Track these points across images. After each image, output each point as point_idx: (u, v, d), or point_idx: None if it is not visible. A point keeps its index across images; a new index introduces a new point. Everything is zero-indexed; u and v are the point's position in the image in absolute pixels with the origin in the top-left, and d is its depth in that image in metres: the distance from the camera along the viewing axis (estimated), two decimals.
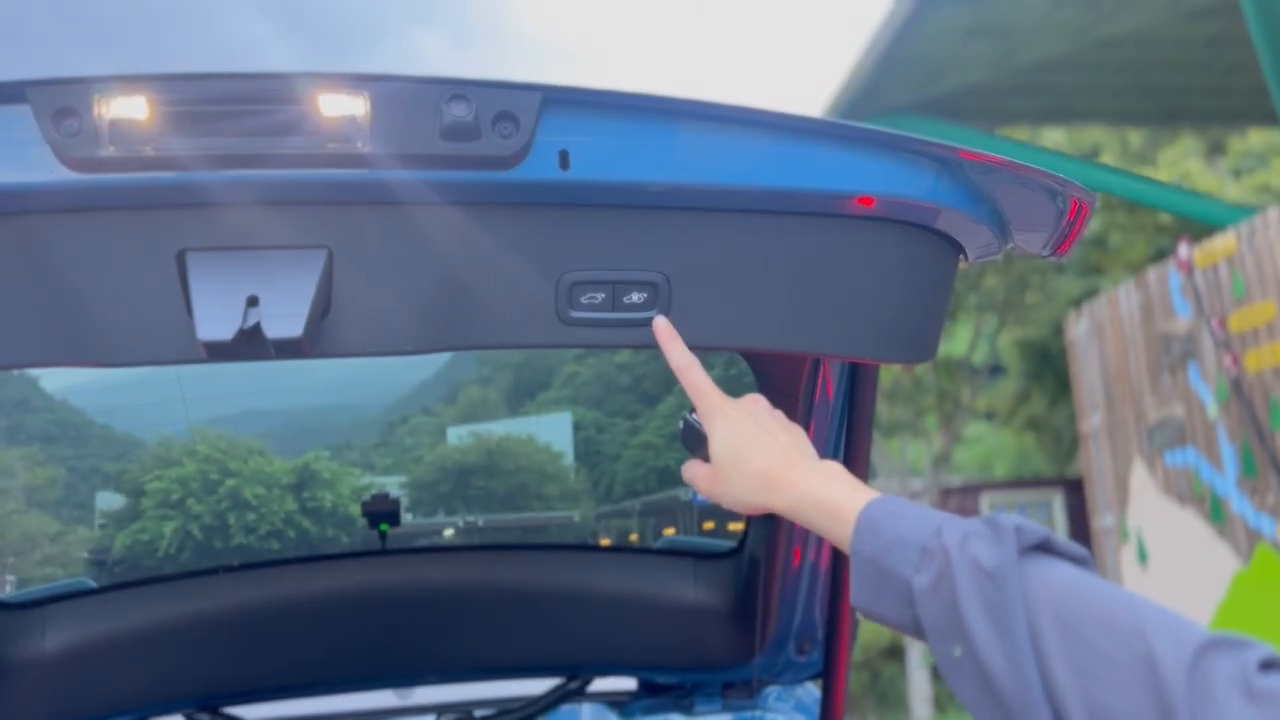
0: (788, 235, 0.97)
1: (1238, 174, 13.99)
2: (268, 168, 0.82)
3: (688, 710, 1.90)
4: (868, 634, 10.98)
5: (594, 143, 0.86)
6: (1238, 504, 5.76)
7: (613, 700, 1.94)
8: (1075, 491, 11.24)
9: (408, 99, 0.82)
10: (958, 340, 16.30)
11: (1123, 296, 6.93)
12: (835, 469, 0.96)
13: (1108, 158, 15.26)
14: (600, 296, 0.95)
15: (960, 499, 16.96)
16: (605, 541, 2.59)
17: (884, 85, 7.72)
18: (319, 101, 0.81)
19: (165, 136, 0.80)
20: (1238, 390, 5.68)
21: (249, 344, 0.84)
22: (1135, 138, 15.49)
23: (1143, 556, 6.74)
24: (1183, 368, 6.20)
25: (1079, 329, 7.56)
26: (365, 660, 1.84)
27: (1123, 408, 6.93)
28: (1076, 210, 1.04)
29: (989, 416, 18.77)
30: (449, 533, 2.52)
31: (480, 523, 2.25)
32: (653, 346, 0.98)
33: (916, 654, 10.72)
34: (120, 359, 0.90)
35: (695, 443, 1.03)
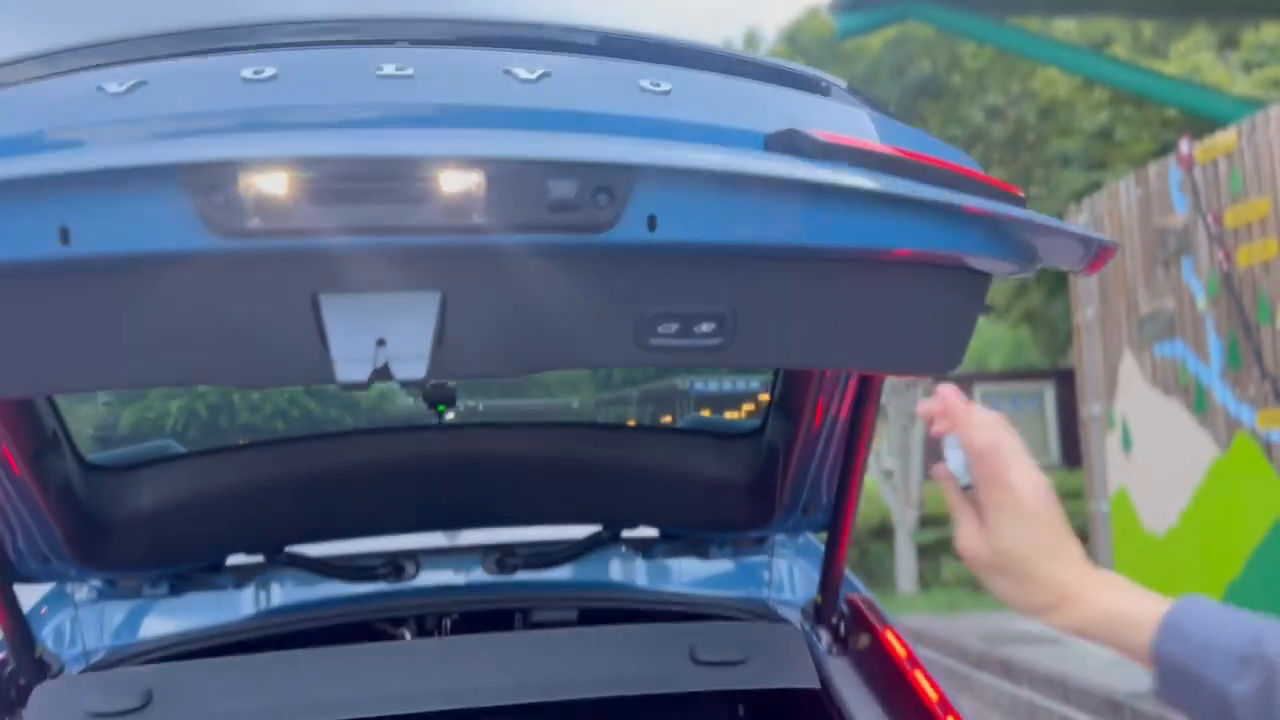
0: (837, 276, 1.13)
1: (1249, 68, 13.85)
2: (392, 235, 0.94)
3: (703, 554, 2.12)
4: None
5: (678, 209, 0.97)
6: (1220, 394, 5.97)
7: (636, 544, 2.15)
8: (1066, 383, 11.46)
9: (519, 177, 0.93)
10: None
11: (1122, 191, 7.03)
12: (1116, 579, 0.96)
13: (1119, 49, 15.08)
14: (674, 327, 1.10)
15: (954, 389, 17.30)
16: (631, 422, 2.82)
17: None
18: (440, 179, 0.91)
19: (302, 209, 0.91)
20: (1228, 284, 5.84)
21: (379, 380, 1.01)
22: (1148, 29, 15.28)
23: (1127, 444, 7.00)
24: (1176, 262, 6.35)
25: (1078, 222, 7.67)
26: (421, 514, 2.06)
27: (1116, 300, 7.10)
28: (1101, 251, 1.18)
29: (986, 309, 18.93)
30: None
31: (480, 407, 2.40)
32: (720, 365, 1.14)
33: (904, 534, 11.12)
34: (259, 383, 1.07)
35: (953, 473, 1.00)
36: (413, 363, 0.99)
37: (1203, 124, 7.62)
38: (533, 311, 1.07)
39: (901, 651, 1.68)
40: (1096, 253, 1.17)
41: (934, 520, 11.30)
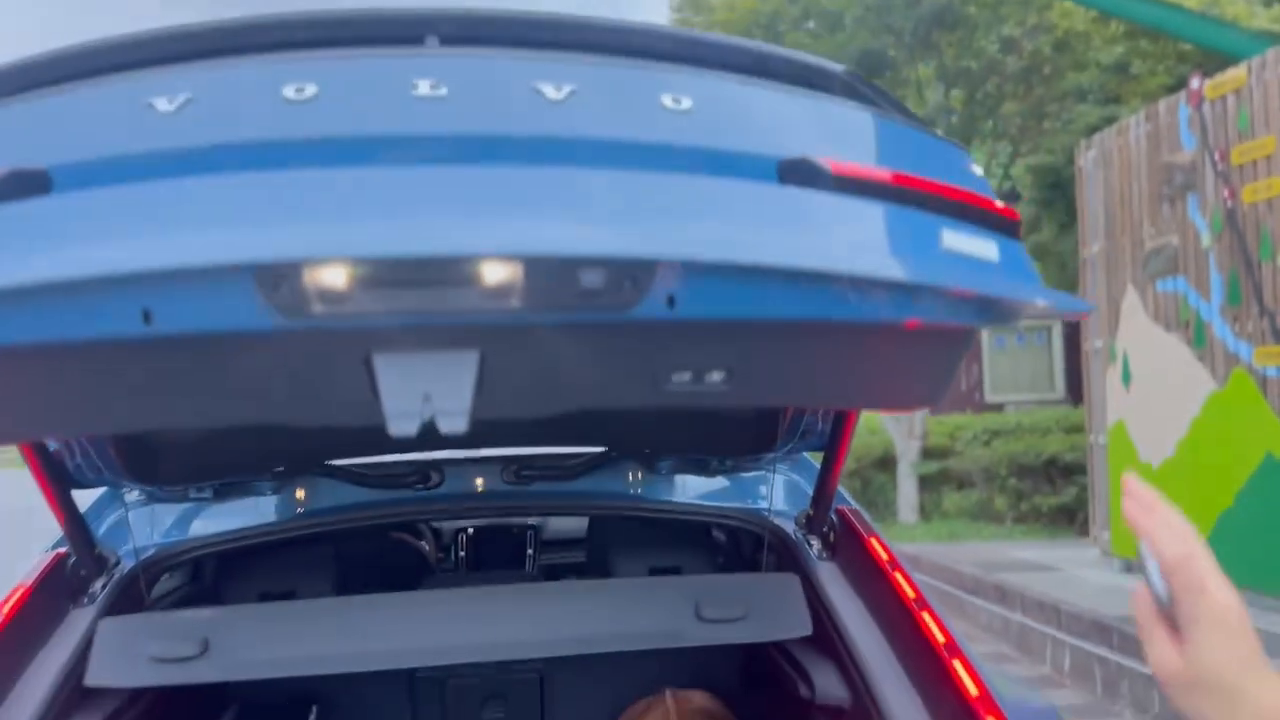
0: (835, 335, 1.25)
1: (1270, 1, 13.64)
2: (437, 315, 1.06)
3: (706, 471, 2.26)
4: (859, 446, 11.54)
5: (694, 290, 1.09)
6: (1219, 330, 6.07)
7: (643, 460, 2.29)
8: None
9: (554, 269, 1.04)
10: None
11: (1132, 126, 7.04)
12: None
13: None
14: (687, 376, 1.24)
15: None
16: None
17: None
18: (482, 272, 1.03)
19: (357, 295, 1.03)
20: (1231, 221, 5.90)
21: (426, 433, 1.15)
22: None
23: (1127, 378, 7.11)
24: (1182, 199, 6.39)
25: (1087, 158, 7.69)
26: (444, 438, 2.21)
27: (1122, 236, 7.15)
28: (1082, 314, 1.28)
29: None
30: None
31: None
32: (726, 404, 1.23)
33: (906, 465, 11.30)
34: (323, 424, 1.25)
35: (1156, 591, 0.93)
36: (455, 417, 1.13)
37: (1220, 60, 7.58)
38: (561, 369, 1.22)
39: (884, 555, 1.81)
40: (1081, 312, 1.30)
41: (936, 452, 11.48)
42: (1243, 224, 5.81)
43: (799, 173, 1.15)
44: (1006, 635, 6.68)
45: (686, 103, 1.17)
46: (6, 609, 1.68)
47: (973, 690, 1.51)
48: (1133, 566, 7.02)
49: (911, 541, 9.59)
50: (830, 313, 1.15)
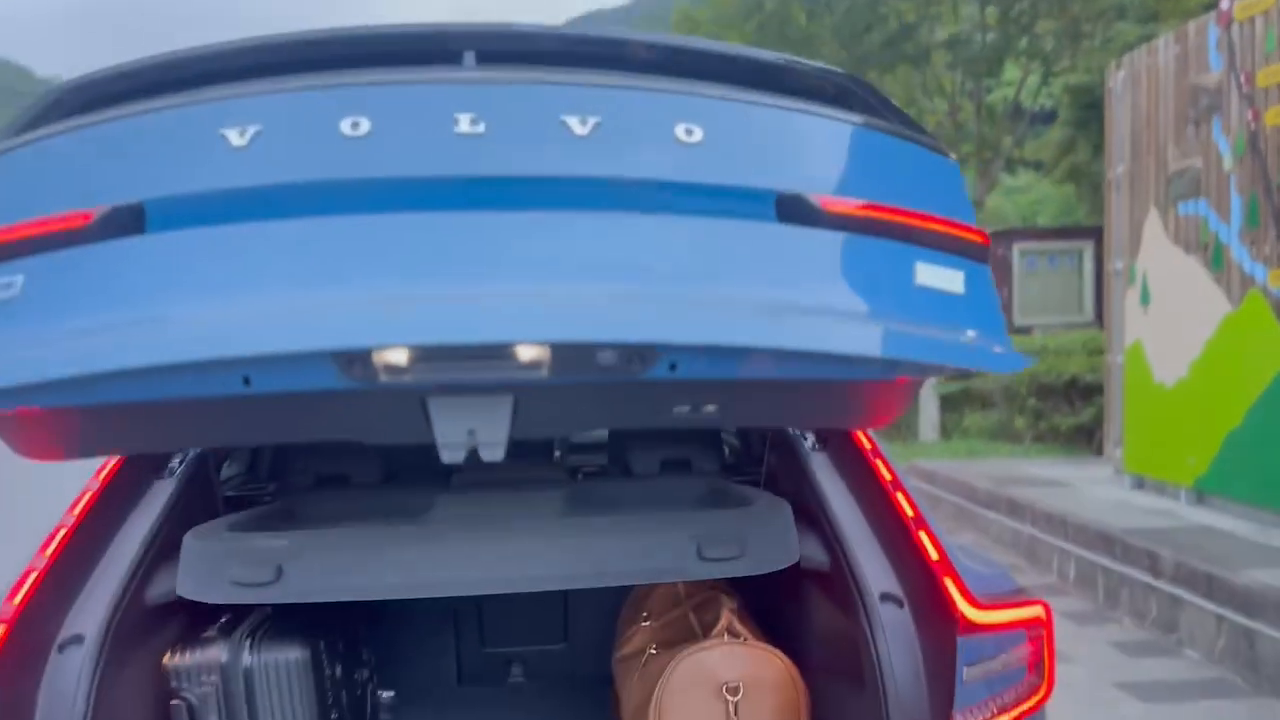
0: (816, 385, 1.53)
1: None
2: (482, 379, 1.35)
3: None
4: None
5: (694, 359, 1.35)
6: (1237, 252, 6.15)
7: None
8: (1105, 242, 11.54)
9: (578, 353, 1.31)
10: (1004, 85, 16.07)
11: (1161, 48, 7.02)
12: None
13: None
14: (686, 409, 1.52)
15: (993, 245, 17.26)
16: None
17: None
18: (518, 351, 1.31)
19: (415, 367, 1.30)
20: (1254, 144, 5.94)
21: (471, 461, 1.48)
22: None
23: (1145, 299, 7.21)
24: (1207, 121, 6.42)
25: (1117, 79, 7.68)
26: None
27: (1147, 158, 7.19)
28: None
29: (1038, 166, 18.71)
30: None
31: None
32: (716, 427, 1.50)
33: (927, 385, 11.47)
34: (381, 442, 1.70)
35: None
36: (495, 447, 1.46)
37: None
38: (581, 409, 1.55)
39: (867, 445, 2.02)
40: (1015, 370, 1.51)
41: (958, 373, 11.62)
42: (1265, 147, 5.85)
43: (795, 209, 1.36)
44: (1016, 546, 6.91)
45: (698, 134, 1.36)
46: (102, 477, 1.93)
47: (934, 555, 1.73)
48: (1143, 483, 7.21)
49: (930, 459, 9.81)
50: (811, 374, 1.42)
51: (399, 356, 1.30)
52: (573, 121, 1.32)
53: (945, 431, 11.48)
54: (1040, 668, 1.74)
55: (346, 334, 1.20)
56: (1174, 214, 6.83)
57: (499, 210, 1.30)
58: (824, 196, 1.36)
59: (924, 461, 9.46)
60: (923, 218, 1.42)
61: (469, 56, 1.41)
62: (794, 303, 1.30)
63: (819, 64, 1.58)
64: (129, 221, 1.32)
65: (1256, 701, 4.30)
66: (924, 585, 1.73)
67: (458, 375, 1.33)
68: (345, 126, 1.30)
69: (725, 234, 1.34)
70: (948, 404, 11.58)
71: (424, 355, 1.29)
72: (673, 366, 1.34)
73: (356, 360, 1.29)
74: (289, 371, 1.29)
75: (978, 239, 1.47)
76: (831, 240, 1.36)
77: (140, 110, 1.36)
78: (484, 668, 2.83)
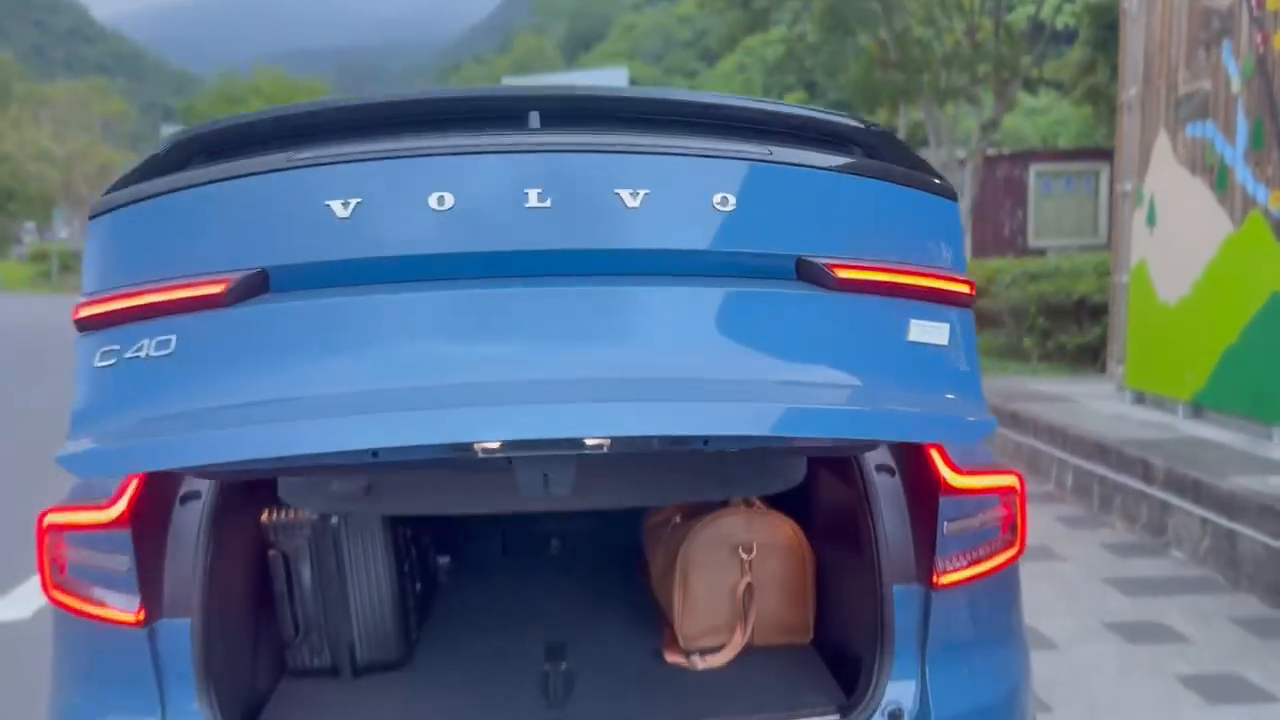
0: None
1: None
2: (559, 454, 1.82)
3: None
4: None
5: (724, 437, 1.74)
6: (1241, 174, 6.31)
7: None
8: None
9: (631, 440, 1.73)
10: (1025, 2, 15.92)
11: None
12: None
13: None
14: (704, 443, 1.78)
15: (1009, 167, 17.29)
16: None
17: None
18: (586, 441, 1.68)
19: (509, 448, 1.72)
20: (1261, 68, 6.07)
21: (545, 498, 1.92)
22: None
23: (1151, 219, 7.39)
24: (1218, 43, 6.53)
25: (1133, 0, 7.75)
26: None
27: (1158, 80, 7.30)
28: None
29: (1058, 86, 18.58)
30: None
31: None
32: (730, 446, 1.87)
33: None
34: (474, 479, 2.03)
35: None
36: (563, 487, 1.89)
37: None
38: (627, 459, 1.95)
39: None
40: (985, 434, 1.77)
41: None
42: (1272, 70, 5.98)
43: (810, 272, 1.63)
44: (1018, 457, 7.21)
45: (731, 201, 1.62)
46: None
47: None
48: (1143, 398, 7.47)
49: None
50: (817, 437, 1.81)
51: (492, 447, 1.69)
52: (625, 195, 1.59)
53: None
54: (1013, 529, 2.01)
55: (454, 431, 1.49)
56: (1182, 136, 6.97)
57: (561, 283, 1.59)
58: (835, 261, 1.64)
59: None
60: (921, 274, 1.68)
61: (534, 117, 1.68)
62: (810, 381, 1.59)
63: (840, 114, 1.85)
64: (256, 286, 1.56)
65: (1234, 596, 4.62)
66: (913, 456, 2.01)
67: (539, 452, 1.77)
68: (433, 201, 1.55)
69: (752, 303, 1.63)
70: None
71: (515, 443, 1.67)
72: (705, 441, 1.74)
73: (460, 447, 1.67)
74: (407, 451, 1.65)
75: (965, 289, 1.73)
76: (841, 303, 1.64)
77: (256, 170, 1.59)
78: (526, 541, 3.14)
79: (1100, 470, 6.12)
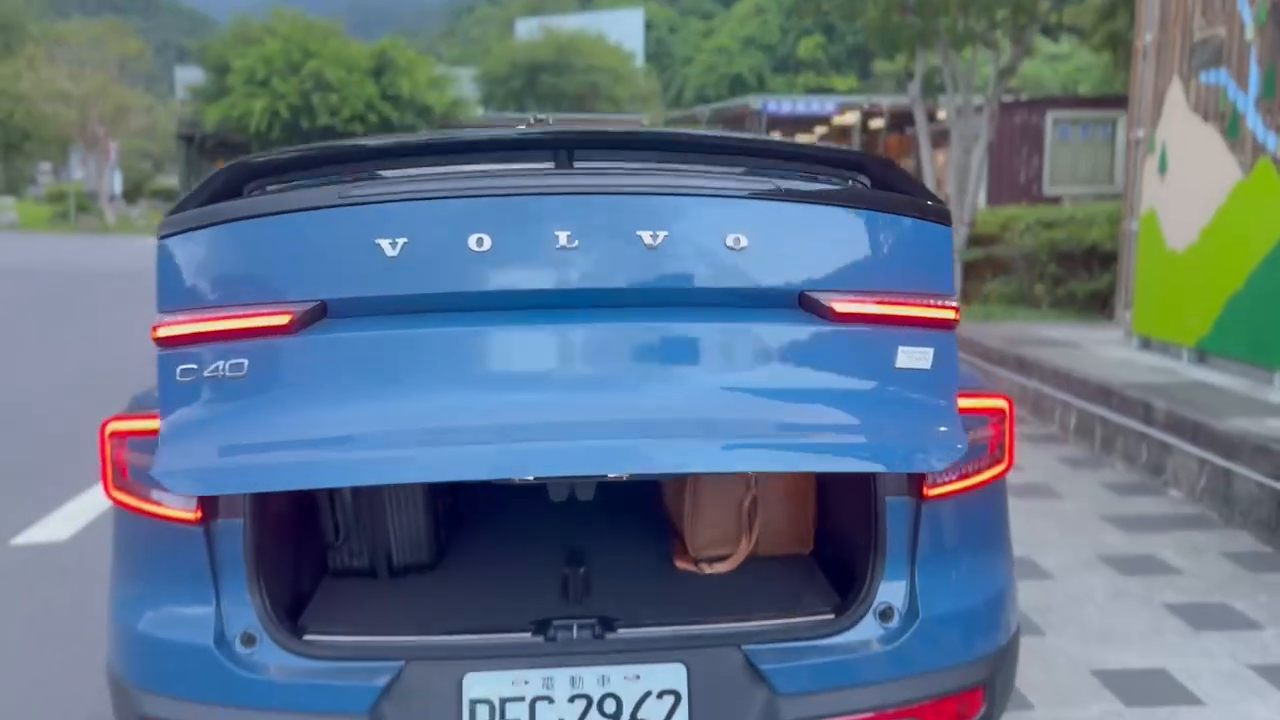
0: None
1: None
2: (589, 479, 2.27)
3: None
4: None
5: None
6: (1252, 121, 6.36)
7: None
8: None
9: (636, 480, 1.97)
10: None
11: None
12: None
13: None
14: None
15: (1026, 114, 17.19)
16: None
17: None
18: (607, 475, 1.94)
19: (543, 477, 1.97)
20: (1275, 14, 6.08)
21: (571, 499, 2.37)
22: None
23: (1163, 166, 7.44)
24: None
25: None
26: None
27: (1174, 27, 7.31)
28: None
29: (1079, 32, 18.37)
30: None
31: (551, 120, 2.88)
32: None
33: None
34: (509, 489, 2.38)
35: None
36: (587, 492, 2.37)
37: None
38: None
39: None
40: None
41: (983, 239, 11.87)
42: None
43: (812, 306, 1.80)
44: (1023, 399, 7.35)
45: (744, 241, 1.79)
46: None
47: None
48: (1149, 344, 7.58)
49: None
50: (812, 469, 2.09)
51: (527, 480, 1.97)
52: (645, 236, 1.77)
53: (966, 297, 11.78)
54: (1001, 448, 2.15)
55: (495, 469, 1.75)
56: (1195, 83, 7.00)
57: (587, 320, 1.77)
58: (834, 295, 1.82)
59: None
60: (913, 302, 1.86)
61: (563, 155, 1.89)
62: (816, 420, 1.79)
63: (842, 148, 2.05)
64: (316, 316, 1.77)
65: (1227, 533, 4.77)
66: None
67: (569, 479, 2.15)
68: (472, 242, 1.75)
69: (756, 339, 1.80)
70: (970, 271, 11.87)
71: (555, 476, 2.00)
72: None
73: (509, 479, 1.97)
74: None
75: (951, 314, 1.92)
76: (839, 335, 1.83)
77: (312, 205, 1.78)
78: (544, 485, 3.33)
79: (1103, 412, 6.26)
